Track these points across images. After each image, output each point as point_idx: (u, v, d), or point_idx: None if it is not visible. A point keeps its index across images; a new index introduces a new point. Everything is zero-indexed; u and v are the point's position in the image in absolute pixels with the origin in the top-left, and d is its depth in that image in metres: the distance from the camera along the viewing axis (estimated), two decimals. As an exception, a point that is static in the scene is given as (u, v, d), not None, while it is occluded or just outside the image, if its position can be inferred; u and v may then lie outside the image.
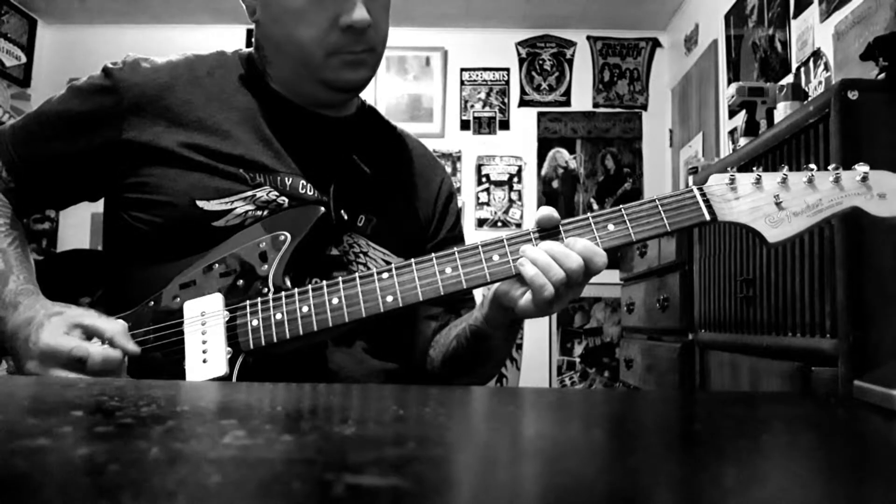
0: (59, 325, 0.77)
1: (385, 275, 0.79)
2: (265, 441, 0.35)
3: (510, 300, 0.78)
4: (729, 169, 0.79)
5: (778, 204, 0.76)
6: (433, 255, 0.79)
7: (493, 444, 0.39)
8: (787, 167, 0.78)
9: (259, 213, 0.86)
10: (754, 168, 0.79)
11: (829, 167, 0.77)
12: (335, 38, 0.86)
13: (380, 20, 0.89)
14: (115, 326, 0.78)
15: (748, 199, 0.77)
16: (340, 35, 0.86)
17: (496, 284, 0.81)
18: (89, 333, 0.78)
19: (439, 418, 0.46)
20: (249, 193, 0.86)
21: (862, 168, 0.75)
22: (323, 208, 0.87)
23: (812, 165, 0.77)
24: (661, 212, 0.77)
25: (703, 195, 0.77)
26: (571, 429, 0.45)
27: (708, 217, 0.76)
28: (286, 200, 0.87)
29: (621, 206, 0.78)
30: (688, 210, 0.77)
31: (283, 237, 0.84)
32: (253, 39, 0.97)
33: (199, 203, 0.85)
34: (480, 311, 0.86)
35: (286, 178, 0.88)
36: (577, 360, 3.62)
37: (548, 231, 0.78)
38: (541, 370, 3.58)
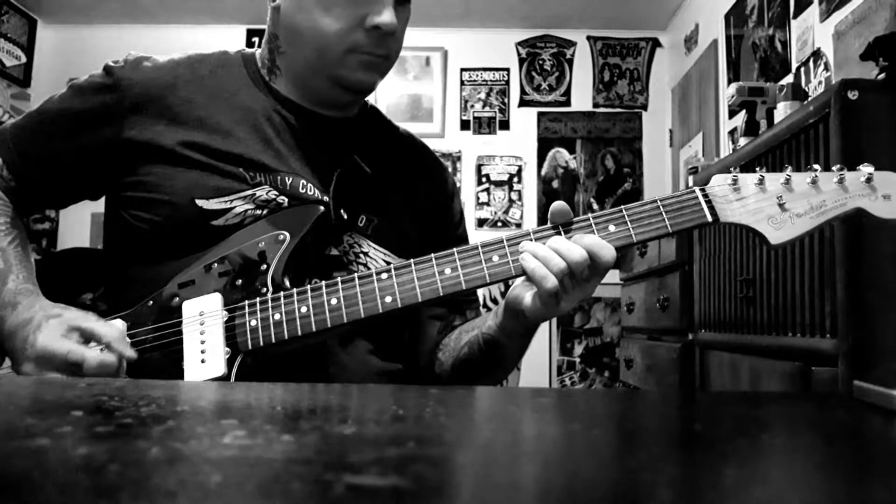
0: (56, 328, 0.77)
1: (384, 275, 0.79)
2: (265, 441, 0.35)
3: (519, 303, 0.78)
4: (732, 169, 0.79)
5: (781, 205, 0.75)
6: (432, 255, 0.79)
7: (493, 445, 0.39)
8: (790, 168, 0.77)
9: (258, 212, 0.86)
10: (756, 168, 0.79)
11: (834, 168, 0.76)
12: (358, 37, 0.86)
13: (400, 33, 0.90)
14: (112, 331, 0.78)
15: (751, 200, 0.76)
16: (364, 34, 0.86)
17: (509, 292, 0.81)
18: (87, 337, 0.78)
19: (439, 418, 0.46)
20: (249, 192, 0.86)
21: (866, 169, 0.74)
22: (322, 208, 0.87)
23: (816, 166, 0.76)
24: (663, 212, 0.77)
25: (706, 196, 0.77)
26: (571, 429, 0.45)
27: (710, 218, 0.76)
28: (286, 200, 0.87)
29: (622, 206, 0.78)
30: (689, 211, 0.77)
31: (282, 236, 0.84)
32: (266, 28, 0.95)
33: (199, 202, 0.85)
34: (494, 320, 0.85)
35: (286, 178, 0.88)
36: (577, 360, 3.62)
37: (552, 229, 0.78)
38: (541, 370, 3.58)
